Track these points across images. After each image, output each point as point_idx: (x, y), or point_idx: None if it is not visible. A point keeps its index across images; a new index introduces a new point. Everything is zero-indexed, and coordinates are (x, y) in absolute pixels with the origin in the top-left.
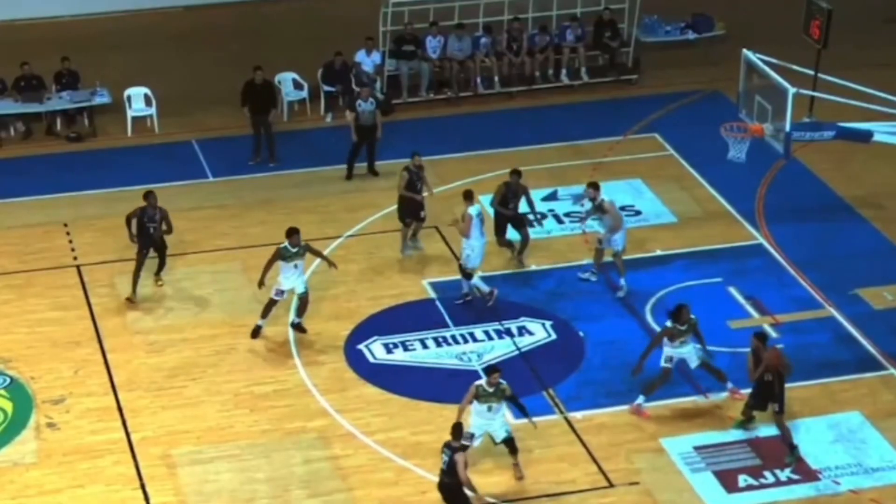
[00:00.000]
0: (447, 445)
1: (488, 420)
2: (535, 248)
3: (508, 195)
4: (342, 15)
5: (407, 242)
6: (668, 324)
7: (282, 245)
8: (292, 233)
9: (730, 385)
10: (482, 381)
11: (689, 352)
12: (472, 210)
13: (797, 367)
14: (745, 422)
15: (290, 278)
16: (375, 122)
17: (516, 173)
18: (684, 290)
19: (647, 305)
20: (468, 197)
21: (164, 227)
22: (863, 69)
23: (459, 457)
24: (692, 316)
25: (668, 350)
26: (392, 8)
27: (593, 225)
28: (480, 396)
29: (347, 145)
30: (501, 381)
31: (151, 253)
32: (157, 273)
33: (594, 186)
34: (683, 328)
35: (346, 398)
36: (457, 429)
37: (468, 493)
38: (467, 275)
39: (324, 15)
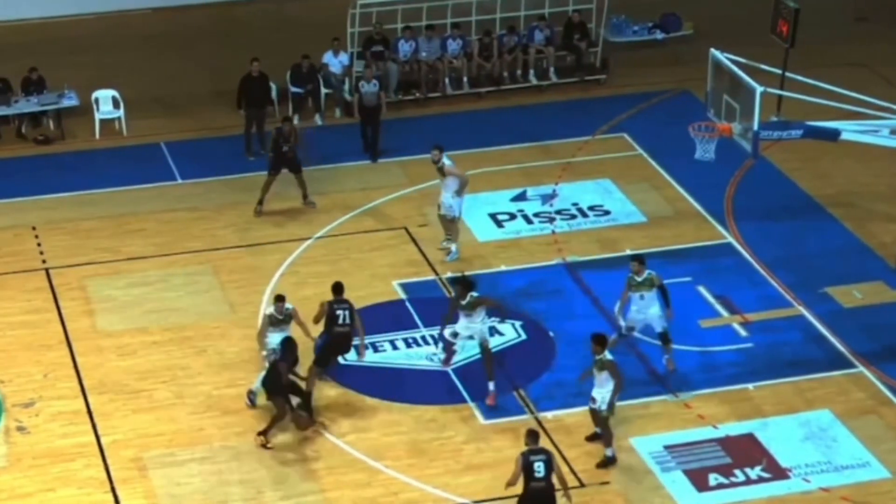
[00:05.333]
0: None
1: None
2: (505, 248)
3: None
4: (312, 16)
5: None
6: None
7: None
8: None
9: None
10: None
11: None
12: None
13: (768, 365)
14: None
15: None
16: (379, 102)
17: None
18: None
19: (617, 305)
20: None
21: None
22: (833, 68)
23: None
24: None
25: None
26: (360, 9)
27: (563, 225)
28: None
29: (315, 147)
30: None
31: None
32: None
33: (639, 261)
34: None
35: (317, 400)
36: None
37: None
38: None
39: (293, 16)
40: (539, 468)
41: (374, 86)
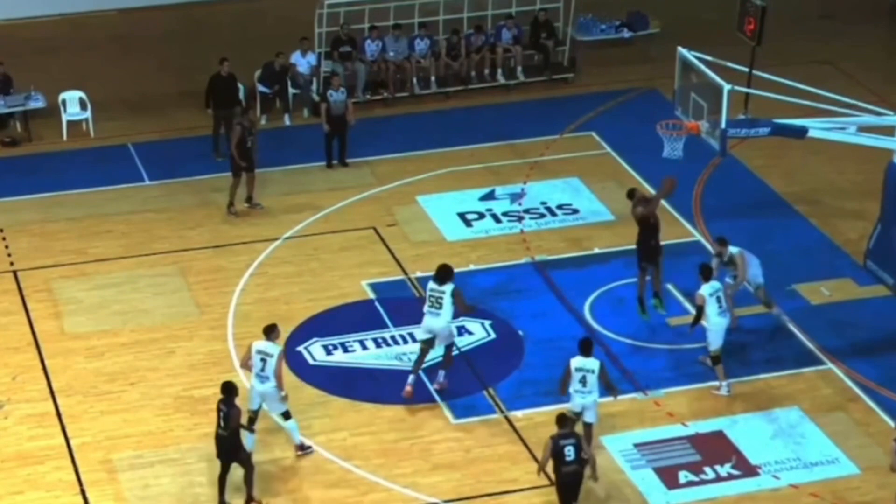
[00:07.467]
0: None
1: None
2: (474, 247)
3: None
4: (278, 17)
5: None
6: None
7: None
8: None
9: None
10: None
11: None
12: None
13: (737, 362)
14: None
15: None
16: (346, 109)
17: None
18: (623, 288)
19: (586, 303)
20: None
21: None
22: (800, 66)
23: (235, 410)
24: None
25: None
26: (327, 9)
27: (531, 224)
28: None
29: (284, 147)
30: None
31: None
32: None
33: (721, 242)
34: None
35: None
36: (228, 387)
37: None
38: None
39: (259, 17)
40: (570, 452)
41: (343, 93)
